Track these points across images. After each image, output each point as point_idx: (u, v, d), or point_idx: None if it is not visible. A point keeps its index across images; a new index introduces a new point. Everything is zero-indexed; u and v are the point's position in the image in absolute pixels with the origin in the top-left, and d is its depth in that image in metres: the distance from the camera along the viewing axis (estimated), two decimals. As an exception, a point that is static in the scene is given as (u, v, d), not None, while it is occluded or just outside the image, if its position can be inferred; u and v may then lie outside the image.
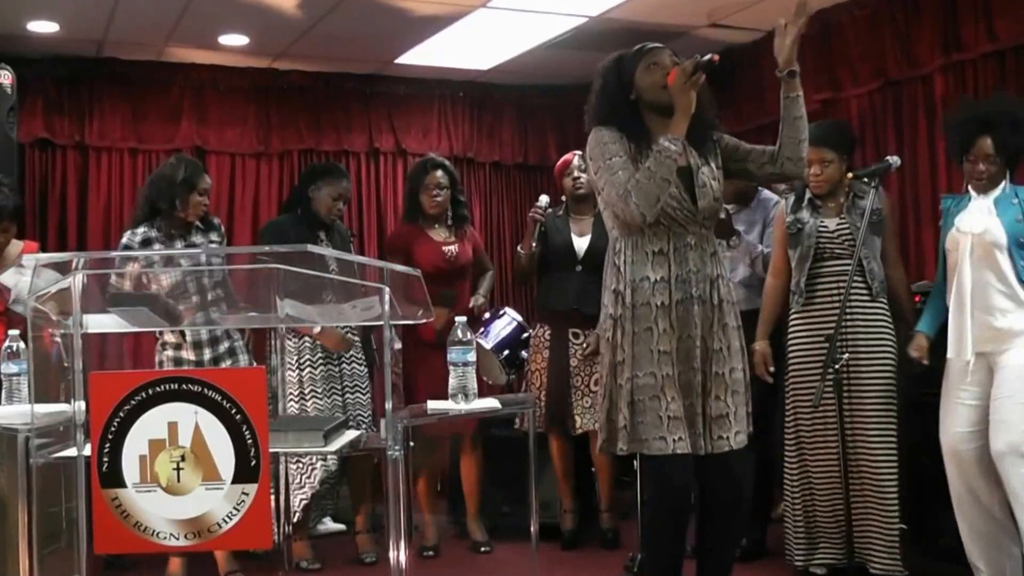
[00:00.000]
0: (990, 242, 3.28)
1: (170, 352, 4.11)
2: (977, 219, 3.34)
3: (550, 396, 4.56)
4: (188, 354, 4.09)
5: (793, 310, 3.86)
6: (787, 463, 3.87)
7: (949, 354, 3.38)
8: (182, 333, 4.02)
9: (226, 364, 4.11)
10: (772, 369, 3.90)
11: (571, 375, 4.54)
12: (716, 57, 2.85)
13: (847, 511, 3.53)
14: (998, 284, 3.29)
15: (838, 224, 3.76)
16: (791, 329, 3.88)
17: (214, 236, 4.24)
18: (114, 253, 3.80)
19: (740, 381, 2.97)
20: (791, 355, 3.87)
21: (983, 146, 3.39)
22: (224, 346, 4.15)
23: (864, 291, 3.72)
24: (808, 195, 3.84)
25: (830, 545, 3.79)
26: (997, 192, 3.36)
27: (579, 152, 4.72)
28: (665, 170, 2.85)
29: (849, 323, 3.65)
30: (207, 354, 4.10)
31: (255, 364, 4.31)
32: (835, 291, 3.72)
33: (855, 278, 3.65)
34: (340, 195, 4.46)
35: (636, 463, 3.70)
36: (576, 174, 4.65)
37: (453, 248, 4.65)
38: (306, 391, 4.35)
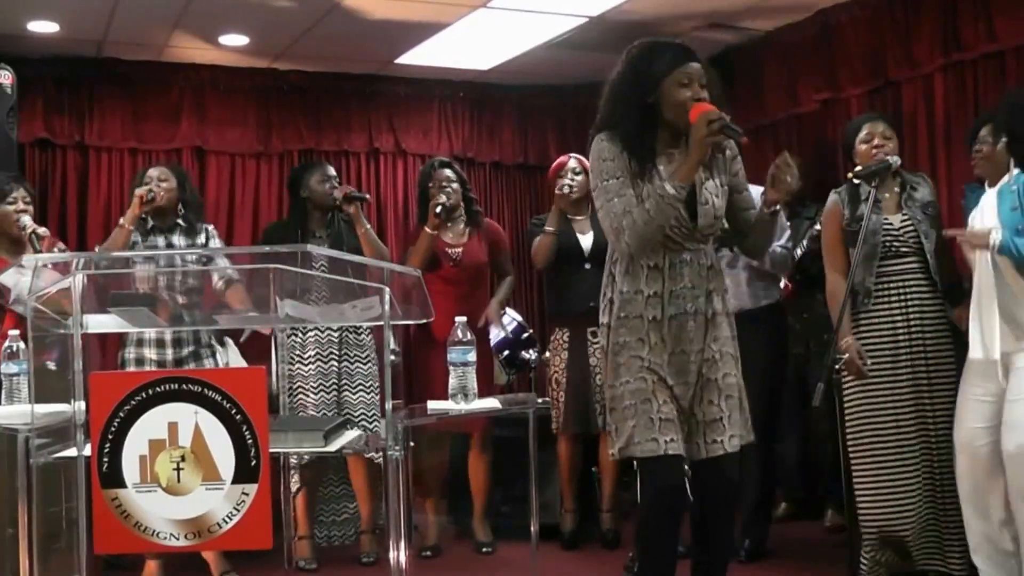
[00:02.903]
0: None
1: (132, 349, 4.12)
2: (987, 215, 3.32)
3: (573, 398, 4.55)
4: (151, 353, 4.10)
5: (857, 311, 3.67)
6: (860, 471, 3.65)
7: (972, 355, 3.34)
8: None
9: (190, 366, 4.11)
10: (869, 362, 3.64)
11: (593, 375, 4.53)
12: (745, 139, 2.84)
13: (936, 515, 3.52)
14: (1010, 283, 3.27)
15: (902, 221, 3.67)
16: (863, 330, 3.68)
17: (200, 239, 4.28)
18: (115, 253, 3.81)
19: (733, 386, 2.95)
20: (872, 356, 3.66)
21: (983, 133, 3.51)
22: (188, 349, 4.15)
23: (929, 289, 3.64)
24: (867, 191, 3.63)
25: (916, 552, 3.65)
26: (1002, 182, 3.33)
27: (574, 155, 4.73)
28: (663, 217, 2.81)
29: (917, 323, 3.60)
30: (170, 354, 4.11)
31: (226, 364, 4.33)
32: (902, 290, 3.64)
33: (919, 276, 3.62)
34: (327, 177, 4.57)
35: (636, 464, 3.70)
36: (570, 177, 4.64)
37: (458, 250, 4.64)
38: (295, 387, 4.38)
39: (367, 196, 4.60)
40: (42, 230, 4.02)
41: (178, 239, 4.24)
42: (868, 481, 3.62)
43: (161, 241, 4.22)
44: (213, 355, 4.28)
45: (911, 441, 3.60)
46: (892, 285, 3.66)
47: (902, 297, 3.64)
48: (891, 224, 3.66)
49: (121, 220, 4.10)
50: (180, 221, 4.27)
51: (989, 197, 3.37)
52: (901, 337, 3.62)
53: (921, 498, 3.59)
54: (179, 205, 4.29)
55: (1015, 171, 3.32)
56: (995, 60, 4.50)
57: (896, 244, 3.66)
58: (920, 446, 3.59)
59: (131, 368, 4.08)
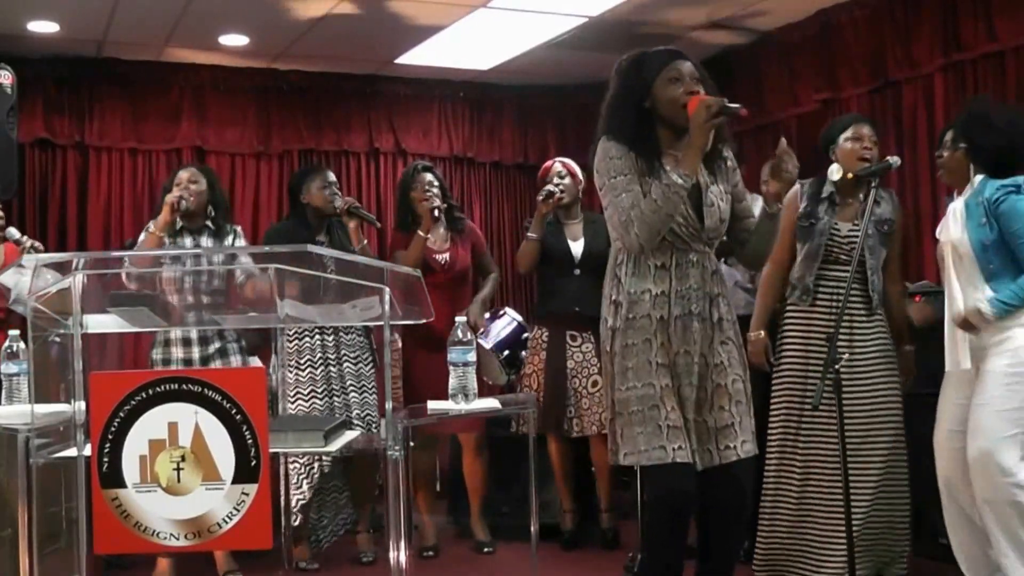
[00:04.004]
0: (964, 252, 3.26)
1: (159, 350, 4.14)
2: (952, 226, 3.33)
3: (546, 398, 4.56)
4: (177, 351, 4.11)
5: (791, 303, 3.77)
6: (770, 466, 3.73)
7: (947, 367, 3.38)
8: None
9: (216, 364, 4.13)
10: (772, 360, 3.81)
11: (568, 377, 4.54)
12: (744, 111, 2.82)
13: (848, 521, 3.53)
14: (976, 292, 3.26)
15: (850, 230, 3.68)
16: (788, 325, 3.78)
17: (227, 240, 4.27)
18: (115, 253, 3.82)
19: (742, 391, 2.95)
20: (786, 354, 3.77)
21: (946, 138, 3.49)
22: (215, 346, 4.16)
23: (862, 302, 3.68)
24: (829, 191, 3.71)
25: (835, 557, 3.65)
26: (968, 193, 3.33)
27: (559, 159, 4.74)
28: (671, 206, 2.81)
29: (846, 332, 3.61)
30: (196, 352, 4.12)
31: (249, 363, 4.32)
32: (837, 296, 3.65)
33: (855, 287, 3.61)
34: (328, 183, 4.53)
35: (638, 469, 3.69)
36: (556, 181, 4.64)
37: (446, 256, 4.63)
38: (305, 391, 4.37)
39: (377, 223, 4.65)
40: (38, 244, 4.05)
41: (206, 241, 4.24)
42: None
43: (189, 242, 4.21)
44: (241, 351, 4.27)
45: (831, 448, 3.62)
46: (827, 289, 3.70)
47: (834, 303, 3.65)
48: (839, 230, 3.69)
49: (150, 225, 4.10)
50: (209, 223, 4.26)
51: (954, 208, 3.36)
52: (827, 338, 3.61)
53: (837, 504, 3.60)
54: (208, 207, 4.28)
55: (977, 179, 3.31)
56: (995, 60, 4.51)
57: (836, 251, 3.68)
58: (836, 454, 3.59)
59: (159, 369, 4.08)
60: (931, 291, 4.08)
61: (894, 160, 3.65)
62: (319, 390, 4.39)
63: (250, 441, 2.48)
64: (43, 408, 2.76)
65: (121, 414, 2.48)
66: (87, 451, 2.50)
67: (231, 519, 2.49)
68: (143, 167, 5.91)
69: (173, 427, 2.49)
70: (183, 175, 4.27)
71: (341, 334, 4.45)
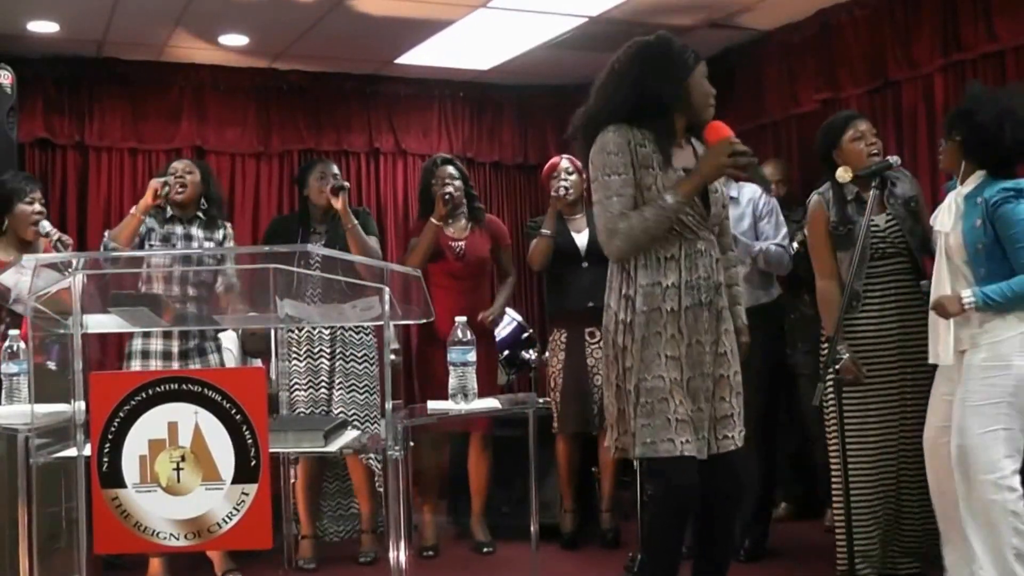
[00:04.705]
0: (954, 246, 3.24)
1: (138, 340, 4.13)
2: (945, 217, 3.31)
3: (565, 398, 4.56)
4: (156, 344, 4.11)
5: (847, 314, 3.57)
6: (849, 472, 3.55)
7: (929, 359, 3.36)
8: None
9: (194, 360, 4.12)
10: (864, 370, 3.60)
11: (591, 375, 4.54)
12: (774, 192, 2.84)
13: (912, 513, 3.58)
14: (964, 286, 3.23)
15: (887, 221, 3.62)
16: (849, 336, 3.60)
17: (218, 234, 4.27)
18: (115, 253, 3.82)
19: (739, 383, 3.00)
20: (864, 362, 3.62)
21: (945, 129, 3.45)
22: (193, 341, 4.14)
23: (915, 288, 3.61)
24: (854, 190, 3.64)
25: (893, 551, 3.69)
26: (969, 188, 3.28)
27: (566, 156, 4.74)
28: (661, 230, 2.85)
29: (902, 324, 3.58)
30: (175, 346, 4.10)
31: (225, 361, 4.32)
32: (889, 291, 3.60)
33: (906, 276, 3.60)
34: (324, 175, 4.50)
35: (636, 463, 3.69)
36: (564, 177, 4.65)
37: (461, 244, 4.63)
38: (288, 383, 4.39)
39: (345, 184, 4.46)
40: (66, 237, 4.04)
41: (197, 230, 4.24)
42: (841, 484, 3.58)
43: (179, 229, 4.21)
44: (218, 349, 4.28)
45: (891, 447, 3.62)
46: (879, 287, 3.63)
47: (889, 299, 3.61)
48: (877, 225, 3.60)
49: (133, 208, 4.09)
50: (200, 214, 4.26)
51: (951, 200, 3.33)
52: (891, 341, 3.60)
53: (887, 501, 3.64)
54: (201, 199, 4.28)
55: (979, 174, 3.27)
56: (995, 60, 4.50)
57: (883, 246, 3.61)
58: (897, 450, 3.61)
59: (136, 360, 4.10)
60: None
61: (894, 159, 3.64)
62: (302, 382, 4.40)
63: (250, 441, 2.48)
64: (43, 408, 2.76)
65: (121, 414, 2.48)
66: (87, 451, 2.50)
67: (231, 519, 2.50)
68: (143, 167, 5.90)
69: (173, 427, 2.49)
70: (178, 165, 4.29)
71: (339, 329, 4.44)
